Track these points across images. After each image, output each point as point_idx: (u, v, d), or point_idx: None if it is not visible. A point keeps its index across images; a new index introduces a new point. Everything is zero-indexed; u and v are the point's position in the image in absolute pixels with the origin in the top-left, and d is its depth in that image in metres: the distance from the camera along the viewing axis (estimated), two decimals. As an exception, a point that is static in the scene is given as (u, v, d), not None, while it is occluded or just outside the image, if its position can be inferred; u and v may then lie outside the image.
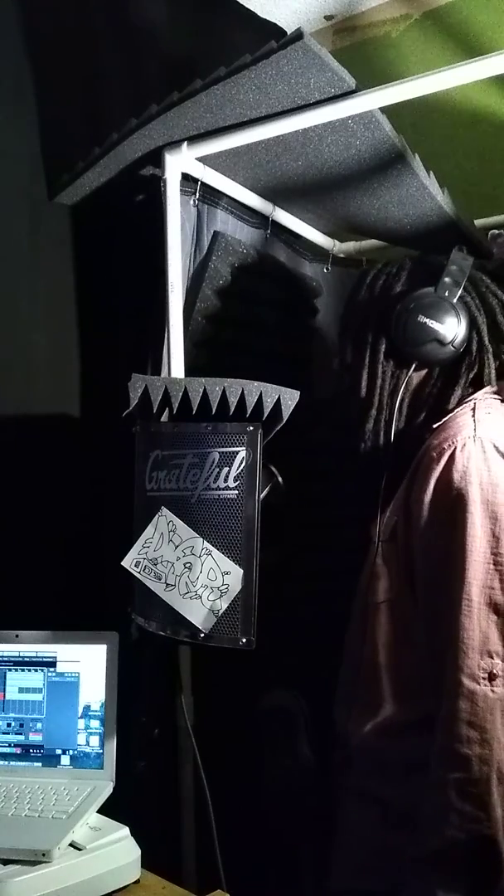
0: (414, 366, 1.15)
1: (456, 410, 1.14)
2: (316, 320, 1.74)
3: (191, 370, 1.34)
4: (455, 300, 1.13)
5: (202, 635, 1.06)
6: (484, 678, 0.99)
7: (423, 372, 1.18)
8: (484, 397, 1.15)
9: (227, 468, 1.06)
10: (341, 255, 1.79)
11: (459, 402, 1.15)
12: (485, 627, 1.01)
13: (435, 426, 1.14)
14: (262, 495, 1.07)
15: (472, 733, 0.98)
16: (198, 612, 1.06)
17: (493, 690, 0.99)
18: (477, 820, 0.97)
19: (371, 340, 1.17)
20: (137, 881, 1.06)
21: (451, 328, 1.12)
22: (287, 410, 1.06)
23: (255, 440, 1.06)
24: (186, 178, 1.35)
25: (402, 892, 1.02)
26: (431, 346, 1.13)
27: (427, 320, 1.12)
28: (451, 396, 1.16)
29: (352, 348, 1.21)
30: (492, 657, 1.00)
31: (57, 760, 1.22)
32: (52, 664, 1.25)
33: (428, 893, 0.98)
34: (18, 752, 1.24)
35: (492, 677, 1.00)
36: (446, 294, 1.13)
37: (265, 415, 1.06)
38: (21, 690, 1.25)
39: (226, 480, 1.06)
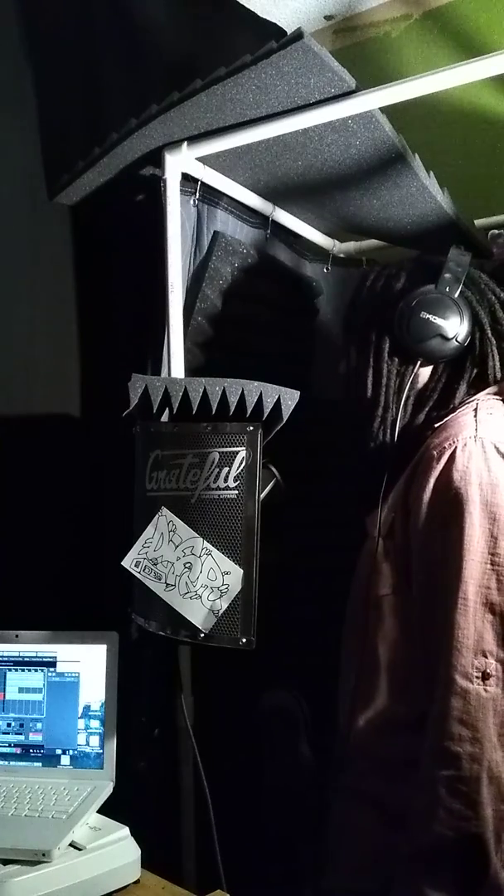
0: (419, 363, 1.16)
1: (458, 410, 1.14)
2: (316, 320, 1.74)
3: (191, 370, 1.34)
4: (456, 295, 1.14)
5: (202, 635, 1.06)
6: (477, 677, 1.00)
7: (429, 369, 1.18)
8: (486, 398, 1.16)
9: (227, 468, 1.06)
10: (341, 255, 1.79)
11: (463, 398, 1.15)
12: (480, 627, 1.01)
13: (437, 425, 1.14)
14: (262, 495, 1.07)
15: (464, 731, 0.98)
16: (198, 612, 1.06)
17: (486, 689, 1.00)
18: (465, 818, 0.97)
19: (374, 340, 1.17)
20: (137, 881, 1.06)
21: (454, 323, 1.13)
22: (287, 410, 1.06)
23: (255, 440, 1.06)
24: (186, 178, 1.35)
25: (392, 889, 1.02)
26: (435, 341, 1.13)
27: (430, 316, 1.12)
28: (457, 392, 1.16)
29: (356, 349, 1.21)
30: (486, 656, 1.01)
31: (57, 760, 1.22)
32: (52, 664, 1.25)
33: (415, 890, 0.98)
34: (18, 752, 1.24)
35: (485, 676, 1.00)
36: (447, 290, 1.14)
37: (265, 415, 1.06)
38: (21, 690, 1.25)
39: (226, 480, 1.06)
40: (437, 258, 1.19)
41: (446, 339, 1.13)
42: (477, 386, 1.17)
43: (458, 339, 1.13)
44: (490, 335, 1.15)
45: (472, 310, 1.15)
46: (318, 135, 1.22)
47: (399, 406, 1.16)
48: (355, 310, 1.23)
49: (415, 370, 1.16)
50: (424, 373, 1.18)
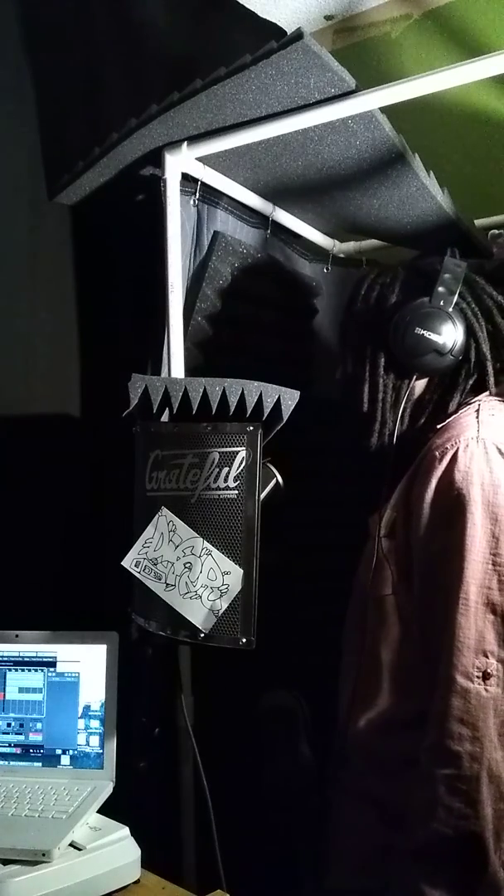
0: (415, 377, 1.16)
1: (460, 412, 1.14)
2: (316, 320, 1.74)
3: (191, 370, 1.34)
4: (450, 309, 1.13)
5: (202, 635, 1.06)
6: (478, 677, 1.00)
7: (424, 381, 1.18)
8: (488, 400, 1.16)
9: (227, 468, 1.06)
10: (341, 255, 1.79)
11: (459, 408, 1.16)
12: (481, 627, 1.01)
13: (439, 426, 1.14)
14: (262, 495, 1.07)
15: (464, 730, 0.99)
16: (198, 612, 1.05)
17: (486, 689, 1.00)
18: (465, 816, 0.97)
19: (370, 354, 1.18)
20: (137, 881, 1.06)
21: (449, 337, 1.12)
22: (287, 410, 1.06)
23: (255, 440, 1.06)
24: (186, 178, 1.35)
25: (391, 887, 1.02)
26: (430, 356, 1.13)
27: (424, 332, 1.12)
28: (451, 403, 1.16)
29: (351, 361, 1.21)
30: (487, 656, 1.01)
31: (57, 760, 1.22)
32: (52, 664, 1.25)
33: (412, 886, 0.99)
34: (18, 752, 1.24)
35: (486, 676, 1.00)
36: (441, 304, 1.13)
37: (265, 415, 1.06)
38: (21, 690, 1.25)
39: (226, 480, 1.06)
40: (431, 263, 1.18)
41: (441, 353, 1.13)
42: (473, 393, 1.17)
43: (453, 353, 1.13)
44: (485, 349, 1.15)
45: (466, 321, 1.15)
46: (318, 135, 1.22)
47: (396, 419, 1.17)
48: (350, 320, 1.23)
49: (410, 384, 1.16)
50: (420, 384, 1.18)
